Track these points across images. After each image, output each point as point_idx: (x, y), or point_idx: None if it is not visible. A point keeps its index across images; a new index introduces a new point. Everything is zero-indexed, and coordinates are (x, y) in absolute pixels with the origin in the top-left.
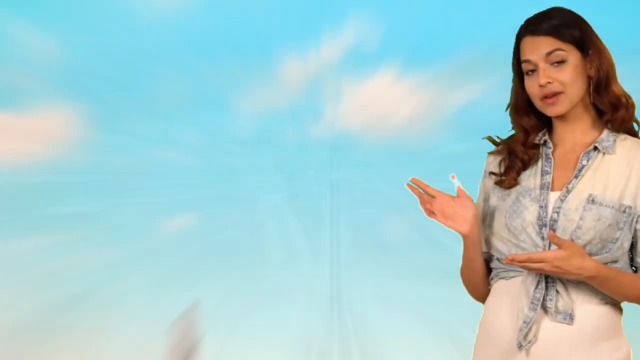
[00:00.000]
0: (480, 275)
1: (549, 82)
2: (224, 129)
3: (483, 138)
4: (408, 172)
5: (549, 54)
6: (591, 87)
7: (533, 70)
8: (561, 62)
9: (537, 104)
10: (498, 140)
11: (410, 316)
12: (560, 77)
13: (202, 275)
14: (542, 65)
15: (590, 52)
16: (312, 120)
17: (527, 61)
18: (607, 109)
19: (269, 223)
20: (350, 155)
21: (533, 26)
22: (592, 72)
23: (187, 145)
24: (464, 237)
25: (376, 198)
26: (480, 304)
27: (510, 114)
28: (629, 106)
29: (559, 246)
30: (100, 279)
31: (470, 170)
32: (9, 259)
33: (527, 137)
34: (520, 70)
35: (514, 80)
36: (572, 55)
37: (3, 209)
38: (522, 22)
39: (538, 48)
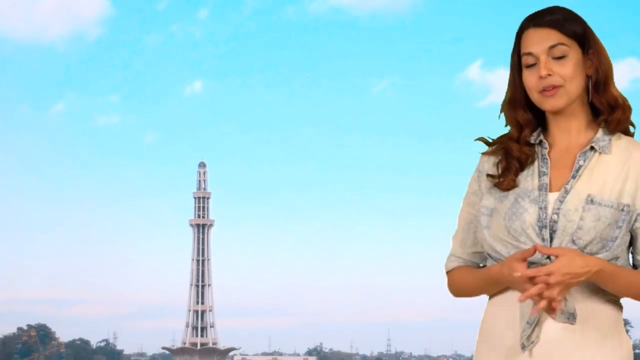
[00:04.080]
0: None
1: (549, 75)
2: (233, 7)
3: (475, 139)
4: (394, 44)
5: (552, 47)
6: (590, 85)
7: (533, 65)
8: (563, 56)
9: (535, 97)
10: (490, 141)
11: None
12: (561, 71)
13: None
14: (543, 57)
15: (591, 51)
16: None
17: (529, 54)
18: (605, 109)
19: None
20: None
21: (536, 19)
22: (591, 71)
23: (202, 22)
24: (508, 282)
25: None
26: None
27: (505, 109)
28: (626, 108)
29: (555, 254)
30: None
31: (449, 43)
32: (47, 121)
33: (520, 133)
34: (519, 65)
35: (511, 75)
36: (574, 52)
37: (48, 75)
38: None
39: (541, 40)
